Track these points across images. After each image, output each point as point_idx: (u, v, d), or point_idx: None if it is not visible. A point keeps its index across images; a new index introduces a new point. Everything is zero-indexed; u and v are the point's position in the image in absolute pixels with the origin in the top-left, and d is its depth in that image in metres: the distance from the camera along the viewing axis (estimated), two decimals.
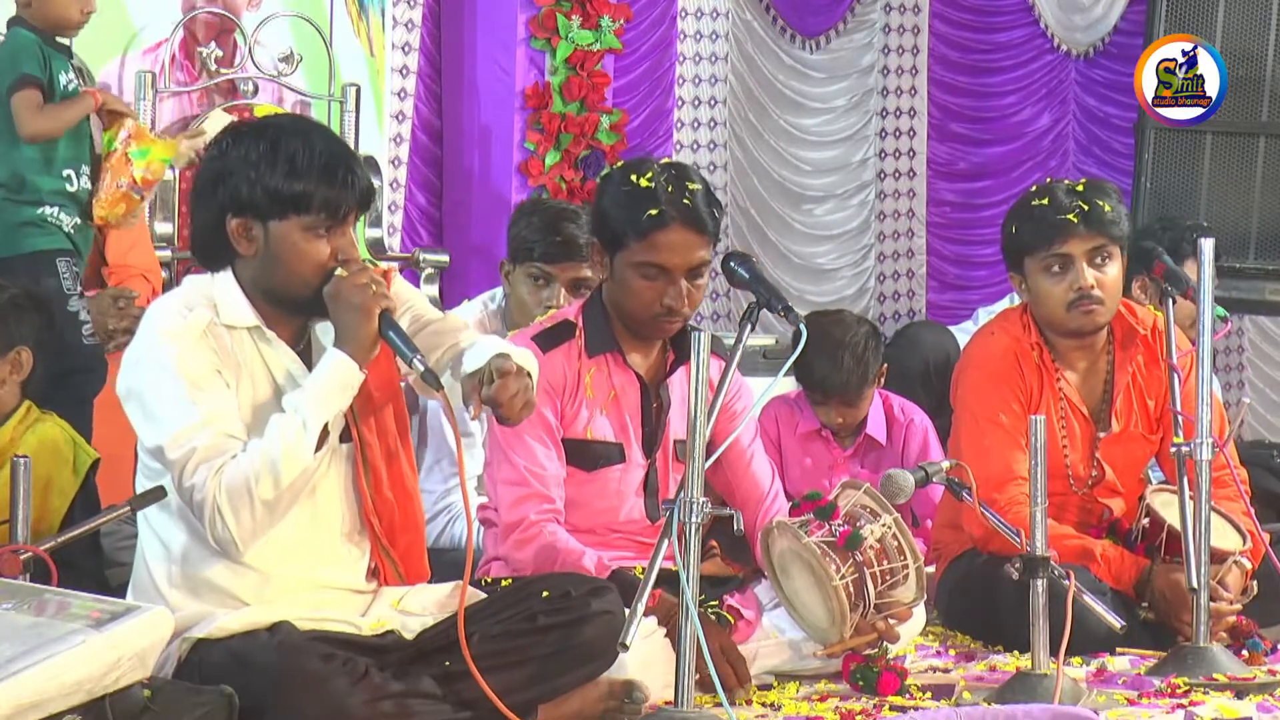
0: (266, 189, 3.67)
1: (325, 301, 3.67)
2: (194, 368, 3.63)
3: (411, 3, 8.29)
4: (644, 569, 3.93)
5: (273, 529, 3.65)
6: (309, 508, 3.74)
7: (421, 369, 3.62)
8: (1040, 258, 4.96)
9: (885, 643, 4.38)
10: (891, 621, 4.38)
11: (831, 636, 4.34)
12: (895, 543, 4.35)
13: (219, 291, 3.73)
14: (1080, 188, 4.99)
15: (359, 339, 3.64)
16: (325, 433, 3.64)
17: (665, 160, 4.51)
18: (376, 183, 7.49)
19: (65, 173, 5.43)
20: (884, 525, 4.34)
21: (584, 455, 4.44)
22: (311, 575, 3.80)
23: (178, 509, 3.71)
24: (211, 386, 3.64)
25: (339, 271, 3.67)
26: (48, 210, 5.41)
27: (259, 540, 3.64)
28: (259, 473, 3.57)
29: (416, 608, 3.84)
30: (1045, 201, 4.97)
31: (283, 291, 3.72)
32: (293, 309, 3.75)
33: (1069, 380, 5.05)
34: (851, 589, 4.28)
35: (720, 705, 3.86)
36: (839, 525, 4.31)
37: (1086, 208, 4.93)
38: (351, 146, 7.11)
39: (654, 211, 4.32)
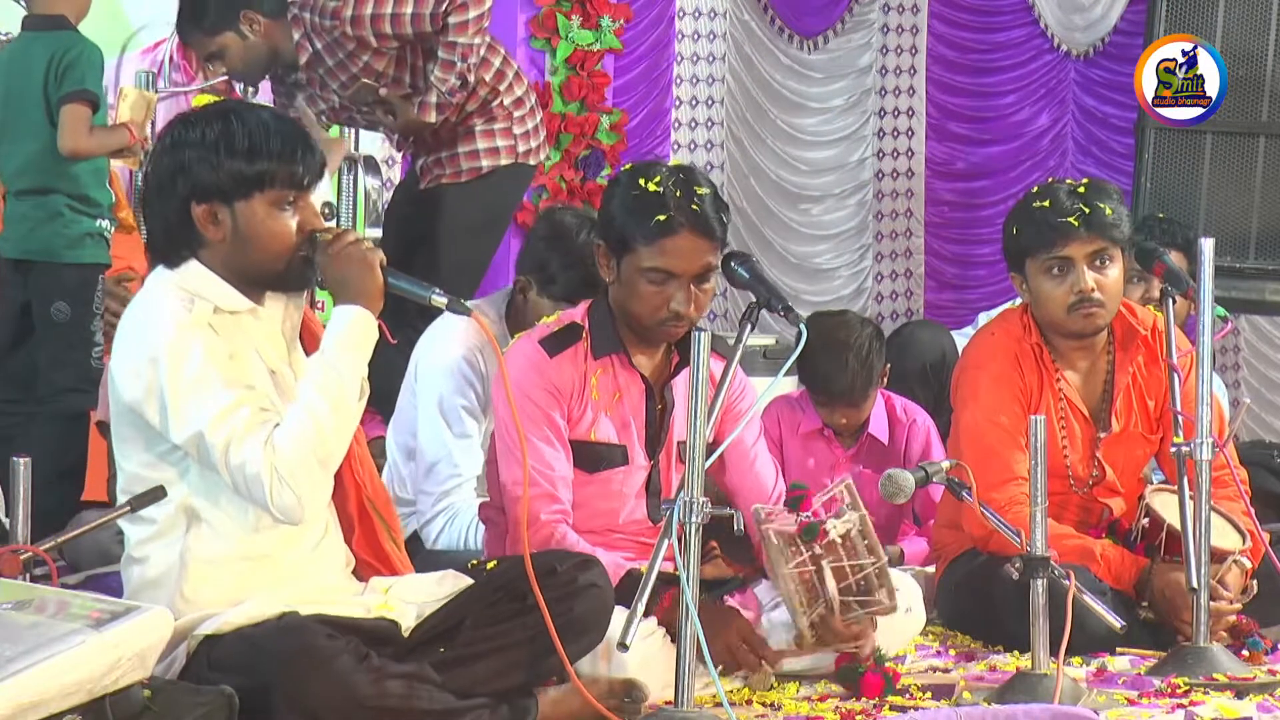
0: (229, 171, 3.71)
1: (321, 267, 3.73)
2: (218, 353, 3.66)
3: None
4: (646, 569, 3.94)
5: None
6: None
7: (444, 300, 3.71)
8: (1041, 260, 4.96)
9: (876, 646, 4.38)
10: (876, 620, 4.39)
11: (798, 625, 4.34)
12: (865, 541, 4.33)
13: (198, 283, 3.74)
14: (1082, 189, 4.98)
15: (368, 290, 3.72)
16: (362, 385, 3.70)
17: (674, 163, 4.51)
18: (375, 183, 7.50)
19: (107, 184, 5.52)
20: (847, 522, 4.32)
21: (587, 457, 4.44)
22: (308, 558, 3.82)
23: (179, 506, 3.72)
24: (235, 371, 3.67)
25: (324, 236, 3.74)
26: (104, 224, 5.49)
27: (320, 502, 3.69)
28: (312, 433, 3.61)
29: (407, 596, 3.86)
30: (1046, 204, 4.95)
31: (255, 270, 3.75)
32: (265, 286, 3.79)
33: (1069, 380, 5.05)
34: (802, 580, 4.27)
35: (720, 705, 3.86)
36: (805, 516, 4.31)
37: (1088, 211, 4.92)
38: (350, 144, 7.19)
39: (662, 217, 4.31)
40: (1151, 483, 5.09)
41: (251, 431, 3.61)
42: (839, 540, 4.30)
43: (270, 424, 3.63)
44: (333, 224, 3.89)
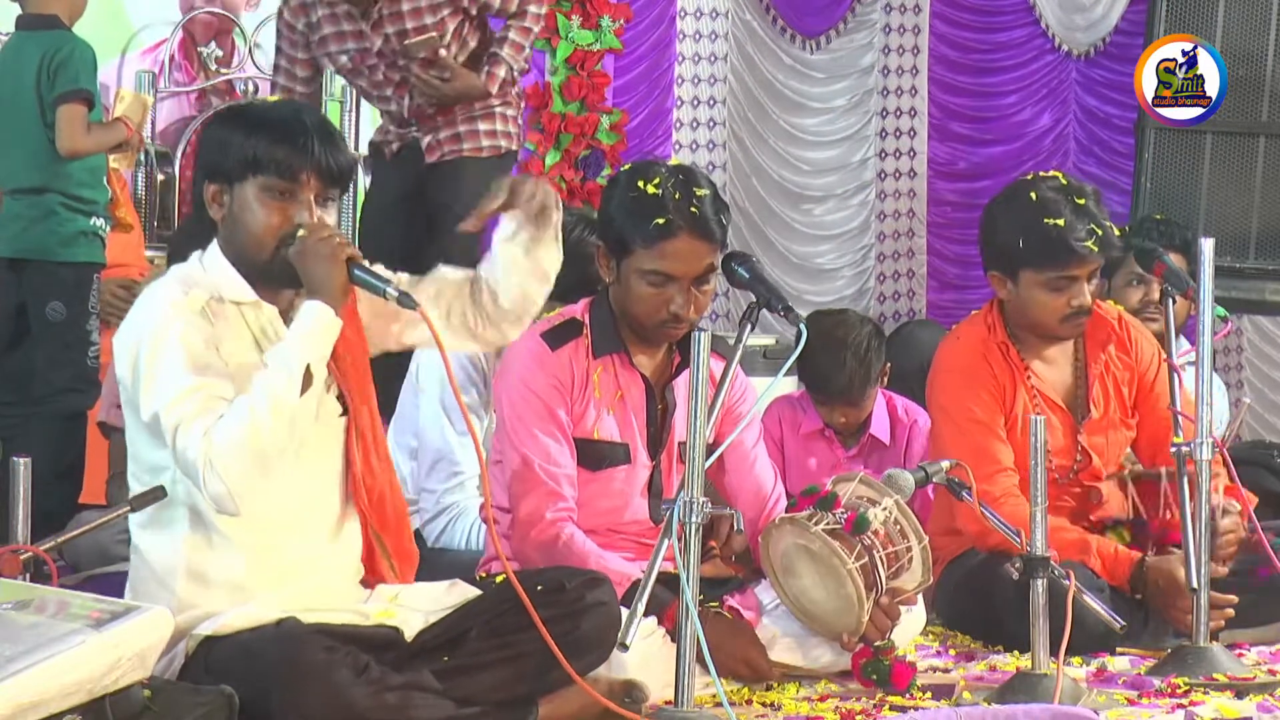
0: (231, 150, 3.74)
1: (294, 265, 3.71)
2: (194, 339, 3.66)
3: None
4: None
5: (271, 490, 3.65)
6: (305, 479, 3.76)
7: (395, 294, 3.69)
8: (1046, 276, 4.95)
9: (891, 636, 4.38)
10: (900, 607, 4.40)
11: (847, 625, 4.32)
12: (898, 526, 4.35)
13: (215, 270, 3.77)
14: (1081, 200, 4.95)
15: (329, 287, 3.67)
16: (310, 377, 3.64)
17: (673, 163, 4.50)
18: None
19: (103, 181, 5.53)
20: (885, 509, 4.34)
21: (590, 455, 4.44)
22: (312, 557, 3.81)
23: (182, 498, 3.71)
24: (207, 359, 3.66)
25: (300, 233, 3.71)
26: (97, 222, 5.50)
27: (255, 495, 3.63)
28: (247, 423, 3.57)
29: (414, 604, 3.85)
30: (1060, 223, 4.90)
31: (246, 257, 3.76)
32: (259, 277, 3.77)
33: (1039, 374, 5.08)
34: (863, 573, 4.28)
35: (720, 705, 3.86)
36: (842, 513, 4.31)
37: (1100, 232, 4.91)
38: (350, 139, 7.19)
39: (661, 220, 4.30)
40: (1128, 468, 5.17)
41: (198, 418, 3.59)
42: (882, 529, 4.31)
43: (216, 413, 3.60)
44: (331, 220, 3.84)
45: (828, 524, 4.30)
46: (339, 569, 3.87)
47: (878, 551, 4.30)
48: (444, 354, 3.77)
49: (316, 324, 3.66)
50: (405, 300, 3.69)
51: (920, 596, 4.65)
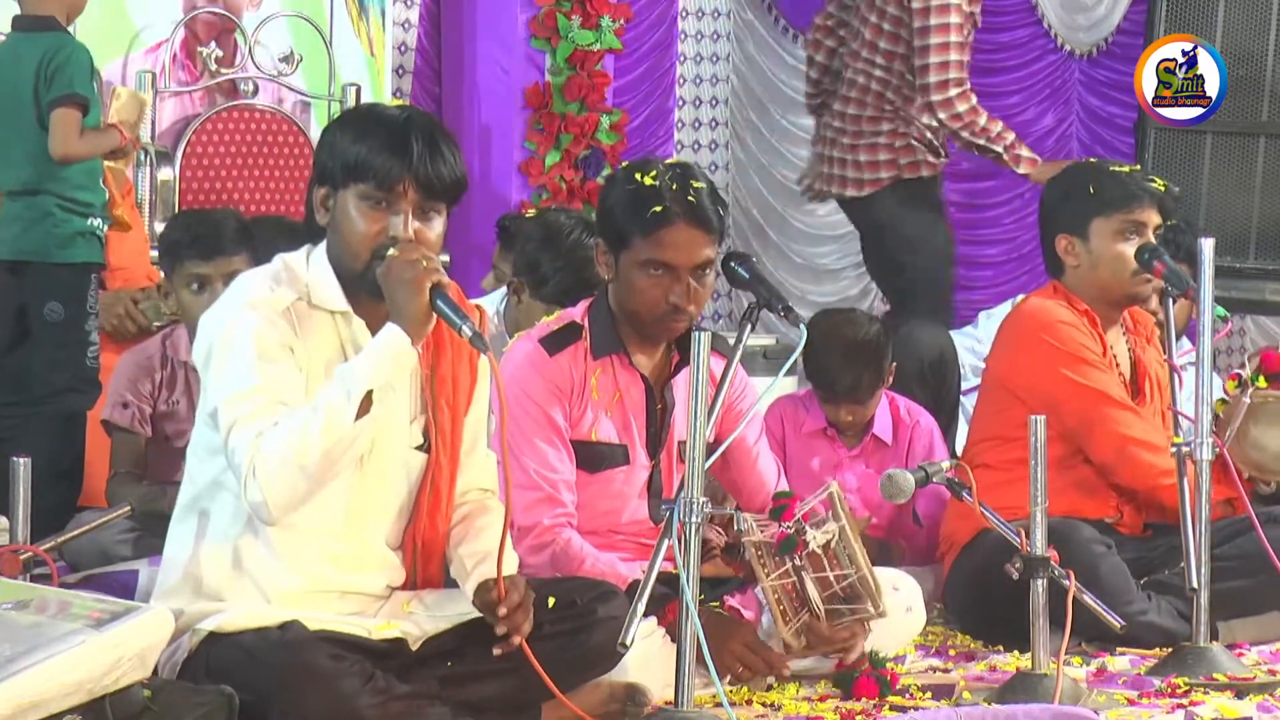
0: (337, 155, 3.68)
1: (379, 283, 3.63)
2: (268, 338, 3.60)
3: (408, 3, 8.30)
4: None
5: (319, 504, 3.63)
6: (360, 505, 3.74)
7: (470, 334, 3.59)
8: (1118, 220, 5.04)
9: (873, 650, 4.38)
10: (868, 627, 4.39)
11: (784, 635, 4.32)
12: (845, 551, 4.31)
13: (314, 271, 3.72)
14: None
15: (410, 313, 3.58)
16: (369, 402, 3.56)
17: (670, 160, 4.51)
18: None
19: (99, 183, 5.54)
20: (827, 533, 4.29)
21: (588, 457, 4.44)
22: (346, 578, 3.78)
23: (232, 486, 3.66)
24: (279, 360, 3.61)
25: (391, 251, 3.63)
26: (95, 222, 5.51)
27: (294, 509, 3.60)
28: (297, 437, 3.52)
29: (425, 610, 3.83)
30: (1126, 168, 5.12)
31: (342, 264, 3.69)
32: (355, 287, 3.70)
33: (1110, 349, 5.11)
34: (785, 591, 4.26)
35: (720, 705, 3.86)
36: (786, 527, 4.30)
37: (1158, 181, 5.10)
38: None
39: (658, 209, 4.30)
40: None
41: (253, 420, 3.55)
42: (819, 551, 4.29)
43: (272, 419, 3.55)
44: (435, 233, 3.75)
45: (758, 538, 4.29)
46: (369, 589, 3.83)
47: (810, 572, 4.28)
48: (502, 403, 3.73)
49: (387, 348, 3.58)
50: (477, 342, 3.59)
51: (920, 598, 4.66)
